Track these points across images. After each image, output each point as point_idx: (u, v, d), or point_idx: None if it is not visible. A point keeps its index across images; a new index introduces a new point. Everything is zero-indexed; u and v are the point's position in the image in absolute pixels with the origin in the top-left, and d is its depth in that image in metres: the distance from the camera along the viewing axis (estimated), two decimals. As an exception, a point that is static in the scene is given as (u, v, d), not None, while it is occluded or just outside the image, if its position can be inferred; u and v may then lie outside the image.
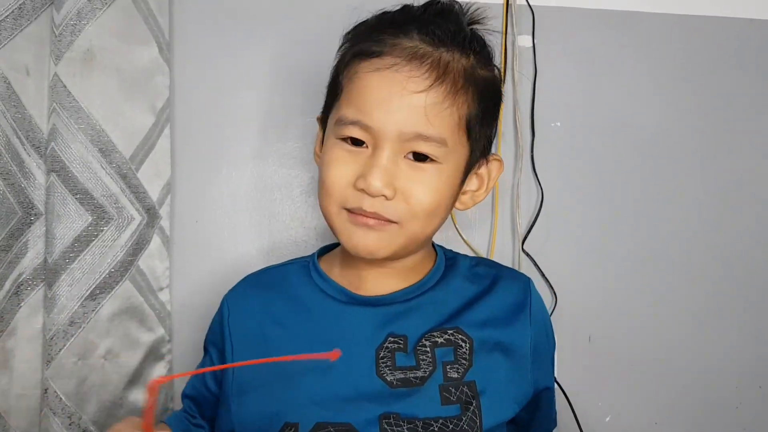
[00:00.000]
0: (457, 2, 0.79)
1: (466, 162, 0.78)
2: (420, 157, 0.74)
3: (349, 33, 0.82)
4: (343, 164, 0.74)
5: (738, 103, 1.15)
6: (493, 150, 0.85)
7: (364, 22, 0.81)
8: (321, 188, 0.77)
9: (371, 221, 0.74)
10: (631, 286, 1.13)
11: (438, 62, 0.73)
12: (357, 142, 0.75)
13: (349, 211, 0.75)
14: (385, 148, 0.73)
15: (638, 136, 1.14)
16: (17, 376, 0.96)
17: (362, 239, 0.74)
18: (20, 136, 0.95)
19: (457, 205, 0.82)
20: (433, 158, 0.74)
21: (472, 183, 0.82)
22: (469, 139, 0.77)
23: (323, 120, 0.83)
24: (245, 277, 0.88)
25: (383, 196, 0.72)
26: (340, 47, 0.82)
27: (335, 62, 0.82)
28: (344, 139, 0.75)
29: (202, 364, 0.87)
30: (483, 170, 0.82)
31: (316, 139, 0.86)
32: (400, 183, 0.73)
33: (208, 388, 0.85)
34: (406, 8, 0.79)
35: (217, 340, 0.85)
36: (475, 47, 0.78)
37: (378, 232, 0.74)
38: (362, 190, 0.72)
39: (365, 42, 0.76)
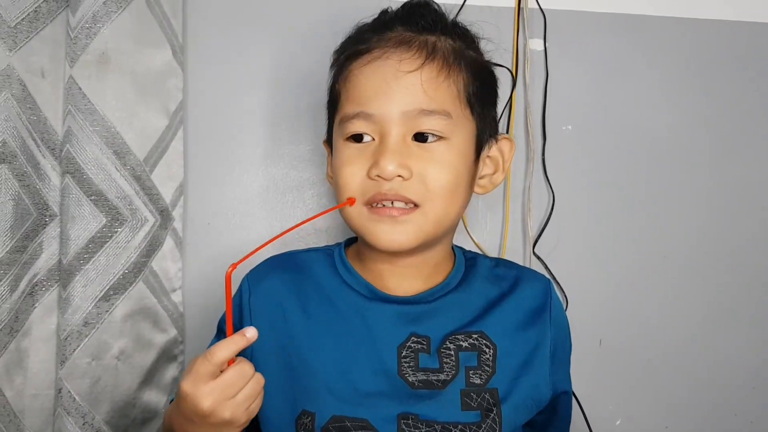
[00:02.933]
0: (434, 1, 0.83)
1: (476, 138, 0.79)
2: (424, 138, 0.75)
3: (336, 50, 0.84)
4: (353, 162, 0.76)
5: (748, 107, 1.15)
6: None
7: (349, 34, 0.84)
8: (338, 191, 0.78)
9: (395, 211, 0.74)
10: (642, 289, 1.14)
11: (425, 43, 0.76)
12: (359, 139, 0.76)
13: (370, 206, 0.75)
14: (391, 133, 0.74)
15: (649, 139, 1.14)
16: (31, 376, 0.97)
17: (388, 234, 0.74)
18: (35, 138, 0.95)
19: (477, 189, 0.82)
20: (439, 134, 0.75)
21: (487, 167, 0.83)
22: (473, 114, 0.78)
23: (330, 141, 0.84)
24: (267, 258, 0.87)
25: (400, 177, 0.73)
26: (332, 65, 0.84)
27: (330, 79, 0.84)
28: (348, 139, 0.77)
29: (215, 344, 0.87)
30: (495, 152, 0.83)
31: (327, 163, 0.86)
32: (414, 164, 0.74)
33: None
34: (383, 12, 0.82)
35: (234, 320, 0.84)
36: (461, 32, 0.81)
37: (403, 223, 0.74)
38: (378, 177, 0.73)
39: (352, 45, 0.80)
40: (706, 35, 1.14)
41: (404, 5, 0.81)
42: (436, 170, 0.74)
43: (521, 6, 1.11)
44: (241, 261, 0.66)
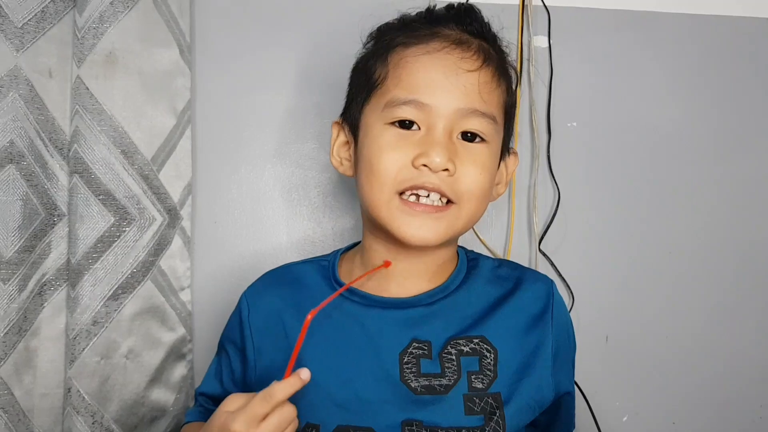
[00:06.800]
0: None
1: (501, 148, 0.81)
2: (469, 138, 0.76)
3: (374, 32, 0.84)
4: (396, 148, 0.75)
5: (754, 103, 1.15)
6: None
7: (390, 22, 0.83)
8: (371, 175, 0.76)
9: (429, 208, 0.74)
10: (648, 285, 1.14)
11: (481, 47, 0.78)
12: (406, 126, 0.75)
13: (401, 197, 0.75)
14: (439, 126, 0.74)
15: (654, 135, 1.14)
16: (41, 375, 0.97)
17: (418, 228, 0.74)
18: (43, 138, 0.96)
19: None
20: (483, 137, 0.77)
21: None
22: (505, 125, 0.81)
23: (346, 121, 0.83)
24: (264, 274, 0.89)
25: (446, 170, 0.73)
26: (366, 45, 0.84)
27: (364, 58, 0.83)
28: (392, 124, 0.76)
29: (216, 363, 0.88)
30: (502, 164, 0.84)
31: (331, 144, 0.85)
32: (458, 161, 0.74)
33: (226, 390, 0.85)
34: (432, 10, 0.82)
35: (236, 338, 0.85)
36: (500, 45, 0.82)
37: (436, 220, 0.75)
38: (423, 167, 0.73)
39: (403, 34, 0.79)
40: (712, 31, 1.14)
41: (451, 7, 0.81)
42: (477, 171, 0.76)
43: (525, 3, 1.11)
44: (319, 308, 0.69)
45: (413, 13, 0.83)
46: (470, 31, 0.78)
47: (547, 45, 1.12)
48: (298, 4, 1.09)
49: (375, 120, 0.77)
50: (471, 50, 0.76)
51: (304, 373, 0.66)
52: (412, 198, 0.75)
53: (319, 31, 1.08)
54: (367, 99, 0.79)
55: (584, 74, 1.13)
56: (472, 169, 0.75)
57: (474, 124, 0.76)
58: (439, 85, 0.74)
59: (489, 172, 0.77)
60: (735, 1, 1.14)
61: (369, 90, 0.79)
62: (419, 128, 0.75)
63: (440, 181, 0.74)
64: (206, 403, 0.87)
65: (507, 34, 1.07)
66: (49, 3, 0.95)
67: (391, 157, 0.75)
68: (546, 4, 1.11)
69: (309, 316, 0.68)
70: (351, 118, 0.82)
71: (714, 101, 1.15)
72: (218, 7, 1.07)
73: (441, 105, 0.74)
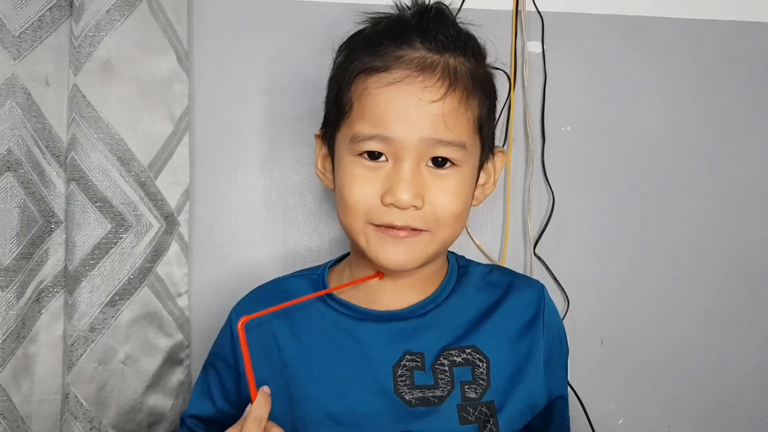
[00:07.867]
0: (445, 4, 0.80)
1: (480, 161, 0.80)
2: (440, 163, 0.74)
3: (343, 45, 0.82)
4: (365, 182, 0.74)
5: (748, 107, 1.16)
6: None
7: (359, 32, 0.80)
8: (343, 207, 0.76)
9: (402, 233, 0.73)
10: (643, 288, 1.14)
11: (447, 69, 0.74)
12: (374, 156, 0.74)
13: (376, 225, 0.74)
14: (406, 159, 0.72)
15: (648, 139, 1.14)
16: (39, 381, 0.97)
17: (393, 254, 0.74)
18: (40, 146, 0.96)
19: (472, 201, 0.82)
20: (454, 161, 0.74)
21: (480, 178, 0.82)
22: (481, 139, 0.78)
23: (325, 136, 0.83)
24: (253, 290, 0.88)
25: (413, 207, 0.72)
26: (336, 59, 0.83)
27: (334, 76, 0.82)
28: (361, 155, 0.74)
29: (203, 383, 0.88)
30: (489, 165, 0.83)
31: (316, 156, 0.85)
32: (427, 193, 0.73)
33: (220, 409, 0.85)
34: (400, 17, 0.79)
35: (226, 355, 0.85)
36: (474, 49, 0.79)
37: (409, 245, 0.74)
38: (391, 205, 0.72)
39: (367, 56, 0.75)
40: (705, 36, 1.15)
41: (419, 12, 0.78)
42: (448, 199, 0.74)
43: (519, 9, 1.11)
44: (253, 316, 0.72)
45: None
46: (436, 47, 0.74)
47: (540, 50, 1.12)
48: (295, 11, 1.09)
49: (345, 151, 0.76)
50: (435, 77, 0.72)
51: (266, 388, 0.71)
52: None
53: (316, 37, 1.09)
54: (337, 127, 0.78)
55: (578, 79, 1.14)
56: (442, 196, 0.74)
57: (441, 152, 0.73)
58: (402, 117, 0.72)
59: (461, 196, 0.75)
60: (728, 5, 1.15)
61: (338, 117, 0.78)
62: (387, 159, 0.74)
63: (409, 217, 0.73)
64: (196, 426, 0.86)
65: (501, 39, 1.09)
66: (45, 11, 0.95)
67: (360, 191, 0.74)
68: (539, 10, 1.12)
69: (240, 324, 0.70)
70: (328, 137, 0.82)
71: (707, 106, 1.15)
72: (215, 13, 1.08)
73: (405, 137, 0.72)
